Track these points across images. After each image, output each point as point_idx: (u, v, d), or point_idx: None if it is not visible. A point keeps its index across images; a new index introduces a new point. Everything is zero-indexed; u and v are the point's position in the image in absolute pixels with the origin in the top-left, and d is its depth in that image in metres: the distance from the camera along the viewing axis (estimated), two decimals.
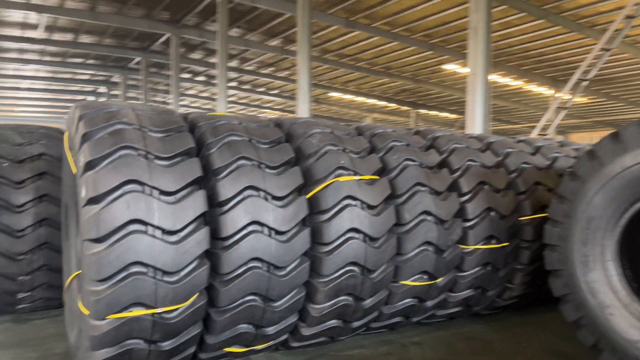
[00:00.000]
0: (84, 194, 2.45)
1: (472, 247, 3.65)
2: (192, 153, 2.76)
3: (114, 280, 2.40)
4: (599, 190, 3.00)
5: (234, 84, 30.62)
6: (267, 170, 2.94)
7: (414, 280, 3.43)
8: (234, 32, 22.68)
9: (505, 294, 4.07)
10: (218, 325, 2.79)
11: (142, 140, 2.62)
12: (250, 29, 22.27)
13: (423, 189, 3.47)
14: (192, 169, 2.67)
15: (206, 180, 2.82)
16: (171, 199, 2.57)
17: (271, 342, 3.13)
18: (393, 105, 32.04)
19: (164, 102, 31.85)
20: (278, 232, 2.86)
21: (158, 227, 2.49)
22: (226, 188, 2.75)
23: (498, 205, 3.75)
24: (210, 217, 2.76)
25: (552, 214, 3.29)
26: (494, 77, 23.14)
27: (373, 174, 3.30)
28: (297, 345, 3.29)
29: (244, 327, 2.91)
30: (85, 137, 2.55)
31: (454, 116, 34.63)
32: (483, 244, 3.69)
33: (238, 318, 2.83)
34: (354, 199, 3.12)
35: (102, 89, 32.14)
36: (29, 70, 29.28)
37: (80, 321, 2.65)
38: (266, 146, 3.06)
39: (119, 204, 2.41)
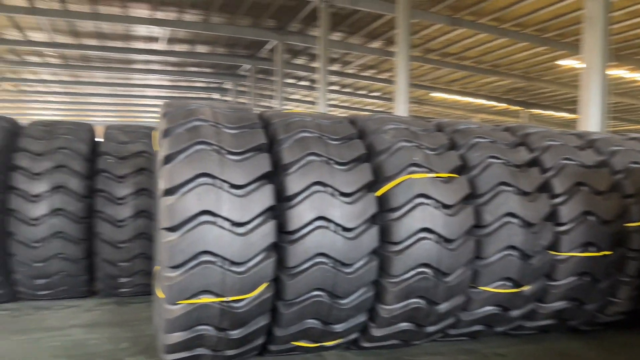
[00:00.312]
0: (161, 185, 2.62)
1: (566, 255, 3.33)
2: (263, 148, 2.84)
3: (185, 268, 2.54)
4: None
5: (335, 87, 31.05)
6: (336, 166, 2.93)
7: (496, 287, 3.21)
8: (336, 36, 22.98)
9: (609, 309, 3.65)
10: (285, 318, 2.83)
11: (216, 136, 2.74)
12: (351, 32, 22.42)
13: (508, 188, 3.23)
14: (262, 164, 2.73)
15: (277, 175, 2.87)
16: (240, 192, 2.66)
17: (341, 340, 3.11)
18: (502, 105, 30.39)
19: (269, 107, 33.20)
20: (345, 229, 2.83)
21: (227, 219, 2.58)
22: (294, 183, 2.78)
23: (598, 209, 3.38)
24: (279, 211, 2.81)
25: None
26: (619, 72, 20.99)
27: (451, 172, 3.14)
28: (368, 346, 3.23)
29: (311, 322, 2.92)
30: (165, 133, 2.73)
31: (572, 116, 31.98)
32: (579, 252, 3.34)
33: (305, 312, 2.85)
34: (428, 197, 2.99)
35: (215, 95, 34.34)
36: (153, 79, 32.15)
37: (158, 306, 2.84)
38: (337, 142, 3.05)
39: (191, 195, 2.55)
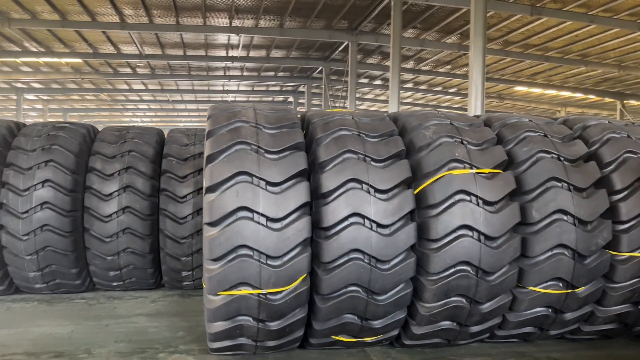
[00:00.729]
0: (204, 183, 2.79)
1: (627, 255, 3.10)
2: (300, 147, 2.92)
3: (224, 261, 2.69)
4: None
5: (409, 85, 30.58)
6: (373, 163, 2.95)
7: (545, 288, 3.06)
8: (409, 32, 22.63)
9: None
10: (322, 312, 2.90)
11: (256, 136, 2.87)
12: (425, 29, 21.96)
13: (559, 184, 3.07)
14: (298, 162, 2.82)
15: (314, 173, 2.95)
16: (276, 189, 2.76)
17: (380, 337, 3.12)
18: (593, 97, 28.36)
19: (343, 108, 33.38)
20: (380, 225, 2.84)
21: (263, 215, 2.70)
22: (329, 180, 2.84)
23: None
24: (316, 208, 2.88)
25: None
26: None
27: (495, 167, 3.04)
28: (410, 344, 3.21)
29: (348, 317, 2.96)
30: (209, 135, 2.90)
31: None
32: None
33: (341, 307, 2.90)
34: (468, 193, 2.92)
35: (291, 99, 35.12)
36: (232, 84, 33.51)
37: (203, 297, 3.02)
38: (375, 139, 3.07)
39: (230, 192, 2.69)
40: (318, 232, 2.86)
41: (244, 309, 2.77)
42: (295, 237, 2.72)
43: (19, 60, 27.07)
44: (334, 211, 2.80)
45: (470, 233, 2.90)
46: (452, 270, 2.90)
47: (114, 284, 4.62)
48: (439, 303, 2.96)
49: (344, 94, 23.22)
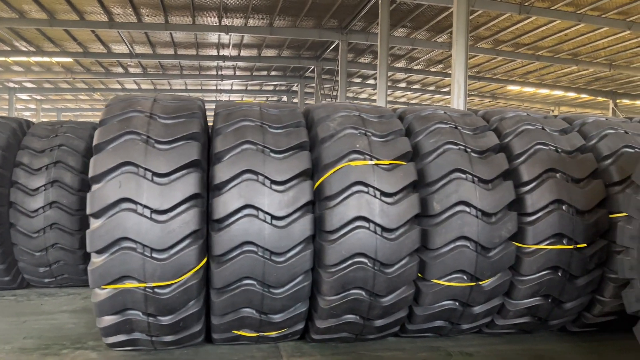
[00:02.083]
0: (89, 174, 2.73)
1: (533, 247, 3.04)
2: (195, 137, 2.87)
3: (106, 253, 2.64)
4: None
5: (402, 84, 30.50)
6: (272, 154, 2.90)
7: (448, 280, 3.00)
8: (400, 32, 22.55)
9: (596, 309, 3.28)
10: (217, 306, 2.85)
11: (147, 126, 2.82)
12: (415, 27, 21.89)
13: (463, 176, 3.01)
14: (189, 153, 2.77)
15: (211, 164, 2.90)
16: (163, 180, 2.71)
17: (285, 331, 3.07)
18: (585, 97, 28.24)
19: None
20: (274, 217, 2.79)
21: (146, 207, 2.65)
22: (223, 171, 2.80)
23: (573, 198, 3.05)
24: (210, 200, 2.84)
25: (624, 207, 2.55)
26: None
27: (397, 159, 2.98)
28: (318, 338, 3.16)
29: (246, 311, 2.92)
30: (99, 124, 2.85)
31: None
32: (548, 244, 3.04)
33: (236, 301, 2.85)
34: (366, 185, 2.87)
35: (284, 98, 35.08)
36: (226, 84, 33.49)
37: None
38: (278, 131, 3.02)
39: (113, 183, 2.64)
40: (212, 225, 2.82)
41: (130, 303, 2.72)
42: (181, 230, 2.67)
43: (9, 59, 27.09)
44: (226, 203, 2.75)
45: (366, 225, 2.85)
46: (349, 262, 2.85)
47: (46, 280, 4.58)
48: (338, 296, 2.91)
49: (335, 93, 23.17)
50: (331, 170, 2.88)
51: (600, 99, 28.18)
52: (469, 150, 3.10)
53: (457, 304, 3.11)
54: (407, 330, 3.27)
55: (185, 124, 2.88)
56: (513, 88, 28.11)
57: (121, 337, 2.86)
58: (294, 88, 32.45)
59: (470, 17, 20.43)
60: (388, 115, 3.29)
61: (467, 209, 2.96)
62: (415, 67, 27.03)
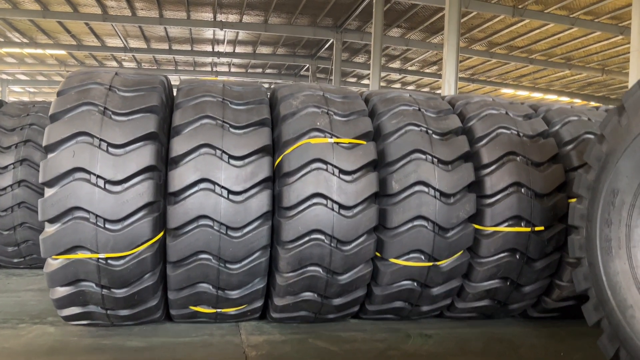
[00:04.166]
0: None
1: (491, 229, 3.05)
2: (154, 110, 2.86)
3: (58, 223, 2.63)
4: (624, 153, 2.24)
5: (397, 85, 30.55)
6: (231, 129, 2.90)
7: (406, 260, 3.01)
8: (395, 32, 22.61)
9: (554, 294, 3.29)
10: (173, 280, 2.84)
11: (105, 98, 2.81)
12: (410, 28, 21.96)
13: (423, 157, 3.02)
14: (146, 125, 2.77)
15: (170, 138, 2.89)
16: (119, 151, 2.71)
17: (243, 308, 3.06)
18: (578, 102, 28.41)
19: None
20: (231, 192, 2.79)
21: (100, 177, 2.64)
22: (180, 144, 2.80)
23: (532, 181, 3.06)
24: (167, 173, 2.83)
25: (576, 187, 2.56)
26: None
27: (357, 138, 2.99)
28: (277, 317, 3.15)
29: (202, 287, 2.91)
30: (58, 94, 2.84)
31: None
32: (506, 226, 3.05)
33: (192, 275, 2.84)
34: (324, 162, 2.87)
35: None
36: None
37: None
38: (239, 107, 3.02)
39: (67, 152, 2.63)
40: (168, 198, 2.81)
41: (82, 274, 2.71)
42: (135, 201, 2.66)
43: (2, 50, 26.96)
44: (182, 176, 2.75)
45: (323, 201, 2.85)
46: (305, 238, 2.85)
47: (15, 260, 4.56)
48: (295, 273, 2.91)
49: None
50: (291, 147, 2.88)
51: (593, 104, 28.36)
52: (430, 131, 3.10)
53: (415, 284, 3.11)
54: (367, 311, 3.27)
55: (145, 97, 2.88)
56: (507, 91, 28.24)
57: (75, 310, 2.85)
58: None
59: (465, 19, 20.54)
60: (352, 96, 3.29)
61: (426, 189, 2.97)
62: (409, 68, 27.09)
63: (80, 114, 2.73)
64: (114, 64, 29.95)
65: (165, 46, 26.52)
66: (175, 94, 3.08)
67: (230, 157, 2.82)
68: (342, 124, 3.00)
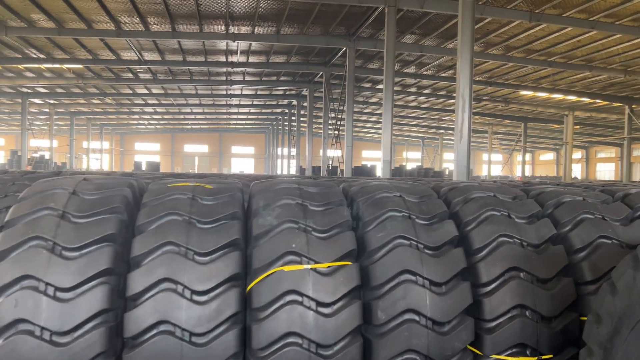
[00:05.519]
0: None
1: (494, 358, 2.70)
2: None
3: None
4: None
5: (413, 89, 30.09)
6: (197, 257, 2.60)
7: None
8: (409, 38, 22.24)
9: None
10: None
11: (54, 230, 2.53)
12: (424, 34, 21.56)
13: (413, 278, 2.68)
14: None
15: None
16: (67, 295, 2.43)
17: None
18: (600, 102, 27.52)
19: (342, 110, 33.24)
20: (193, 334, 2.50)
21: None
22: (137, 283, 2.51)
23: (536, 301, 2.70)
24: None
25: (586, 337, 2.20)
26: None
27: (340, 259, 2.67)
28: None
29: None
30: (4, 224, 2.58)
31: None
32: (508, 355, 2.70)
33: None
34: (299, 294, 2.56)
35: (294, 102, 34.85)
36: (236, 89, 33.38)
37: None
38: (207, 226, 2.72)
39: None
40: (126, 342, 2.53)
41: None
42: (85, 353, 2.38)
43: (20, 66, 27.37)
44: (138, 320, 2.45)
45: (300, 341, 2.54)
46: None
47: None
48: None
49: (344, 97, 22.84)
50: (261, 276, 2.58)
51: (615, 104, 27.42)
52: (422, 246, 2.76)
53: None
54: None
55: (101, 223, 2.60)
56: (526, 93, 27.52)
57: None
58: (304, 92, 32.23)
59: (480, 24, 20.00)
60: (336, 201, 2.95)
61: (416, 317, 2.63)
62: (425, 73, 26.62)
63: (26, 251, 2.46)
64: (130, 75, 30.18)
65: (180, 58, 26.59)
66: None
67: (194, 292, 2.53)
68: (320, 244, 2.68)
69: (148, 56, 25.91)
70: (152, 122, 49.69)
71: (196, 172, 41.68)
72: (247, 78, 30.88)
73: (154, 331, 2.48)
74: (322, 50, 25.44)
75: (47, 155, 35.89)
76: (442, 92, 28.96)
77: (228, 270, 2.58)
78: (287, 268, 2.58)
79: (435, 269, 2.70)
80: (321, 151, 26.43)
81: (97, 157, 51.09)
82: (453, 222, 2.90)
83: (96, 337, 2.39)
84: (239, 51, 24.90)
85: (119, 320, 2.51)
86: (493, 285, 2.74)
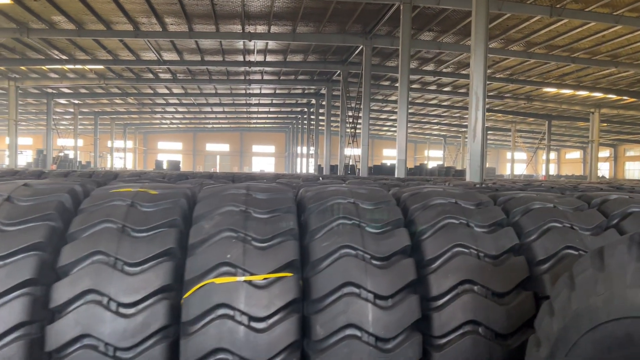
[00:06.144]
0: None
1: None
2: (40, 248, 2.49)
3: None
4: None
5: (433, 87, 29.64)
6: (126, 267, 2.48)
7: None
8: (426, 35, 21.87)
9: None
10: None
11: None
12: (442, 31, 21.17)
13: (357, 290, 2.51)
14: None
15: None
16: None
17: None
18: (627, 99, 26.53)
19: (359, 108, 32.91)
20: (117, 349, 2.38)
21: None
22: (60, 292, 2.41)
23: (490, 317, 2.49)
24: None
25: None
26: None
27: (279, 270, 2.51)
28: None
29: None
30: None
31: None
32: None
33: None
34: (231, 308, 2.42)
35: (313, 101, 34.71)
36: (255, 88, 33.43)
37: None
38: (140, 234, 2.60)
39: None
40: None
41: None
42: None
43: (44, 67, 28.01)
44: (59, 335, 2.35)
45: (229, 357, 2.39)
46: None
47: None
48: None
49: (361, 95, 22.59)
50: (192, 289, 2.45)
51: None
52: (371, 257, 2.58)
53: None
54: None
55: (27, 231, 2.51)
56: (549, 90, 26.75)
57: None
58: (322, 91, 32.05)
59: (499, 20, 19.47)
60: (285, 208, 2.80)
61: (358, 334, 2.46)
62: (444, 70, 26.16)
63: None
64: (150, 75, 30.52)
65: (198, 57, 26.77)
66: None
67: (119, 304, 2.41)
68: (259, 255, 2.53)
69: (167, 56, 26.18)
70: (174, 121, 50.33)
71: (217, 170, 41.96)
72: (266, 77, 30.91)
73: (77, 345, 2.36)
74: (339, 49, 25.27)
75: (71, 155, 36.68)
76: (463, 90, 28.39)
77: (158, 281, 2.45)
78: (218, 280, 2.44)
79: (381, 281, 2.51)
80: (339, 150, 26.25)
81: (121, 155, 52.03)
82: (406, 231, 2.71)
83: (14, 350, 2.29)
84: (256, 50, 24.92)
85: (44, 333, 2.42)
86: (444, 299, 2.53)
